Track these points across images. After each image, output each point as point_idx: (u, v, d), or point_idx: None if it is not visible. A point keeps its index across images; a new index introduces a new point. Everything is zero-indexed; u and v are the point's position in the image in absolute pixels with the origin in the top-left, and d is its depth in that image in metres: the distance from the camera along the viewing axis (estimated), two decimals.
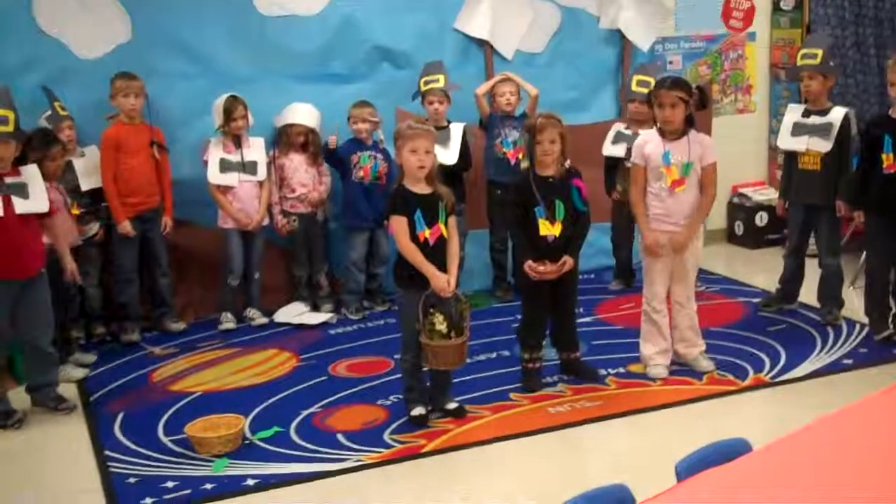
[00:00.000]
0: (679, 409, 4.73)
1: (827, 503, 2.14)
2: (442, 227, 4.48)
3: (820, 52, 5.63)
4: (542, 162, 4.80)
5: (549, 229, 4.80)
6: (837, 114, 5.62)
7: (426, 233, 4.44)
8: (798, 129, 5.71)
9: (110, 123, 5.78)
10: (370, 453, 4.33)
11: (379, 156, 6.25)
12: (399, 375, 4.80)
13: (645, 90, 6.09)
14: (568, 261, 4.82)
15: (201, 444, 4.38)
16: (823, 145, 5.59)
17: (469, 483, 4.12)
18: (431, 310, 4.40)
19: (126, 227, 5.75)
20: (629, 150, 6.08)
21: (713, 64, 7.82)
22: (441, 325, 4.37)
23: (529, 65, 6.89)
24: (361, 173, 6.21)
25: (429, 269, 4.41)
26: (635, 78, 6.40)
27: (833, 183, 5.59)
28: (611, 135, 6.46)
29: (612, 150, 6.41)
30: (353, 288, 6.37)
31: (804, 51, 5.75)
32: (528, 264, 4.81)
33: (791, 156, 5.83)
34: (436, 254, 4.46)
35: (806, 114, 5.72)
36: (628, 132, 6.26)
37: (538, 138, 4.76)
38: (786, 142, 5.81)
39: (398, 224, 4.44)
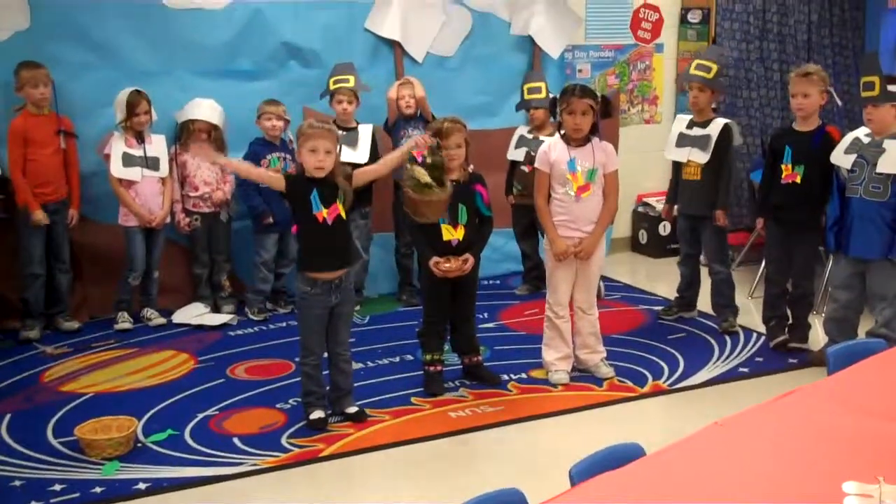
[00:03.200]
0: (579, 414, 4.75)
1: None
2: (340, 206, 4.33)
3: (714, 66, 5.76)
4: (447, 166, 4.78)
5: (452, 233, 4.80)
6: (716, 126, 5.74)
7: (323, 213, 4.29)
8: (682, 140, 5.86)
9: (17, 115, 5.62)
10: (266, 457, 4.25)
11: (288, 156, 6.14)
12: (299, 379, 4.71)
13: (538, 96, 6.33)
14: (470, 258, 4.81)
15: (91, 447, 4.25)
16: (702, 156, 5.73)
17: (367, 488, 4.08)
18: (408, 165, 4.25)
19: (39, 215, 5.61)
20: (528, 154, 6.20)
21: (621, 74, 7.91)
22: (424, 176, 4.22)
23: (440, 68, 6.88)
24: None
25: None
26: (525, 87, 6.56)
27: (713, 193, 5.71)
28: (514, 139, 6.61)
29: (514, 154, 6.54)
30: (260, 288, 6.26)
31: (698, 62, 5.85)
32: (434, 261, 4.79)
33: (677, 165, 5.96)
34: (335, 235, 4.33)
35: (690, 125, 5.85)
36: (530, 136, 6.45)
37: (444, 143, 4.74)
38: (671, 152, 5.96)
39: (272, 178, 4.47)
